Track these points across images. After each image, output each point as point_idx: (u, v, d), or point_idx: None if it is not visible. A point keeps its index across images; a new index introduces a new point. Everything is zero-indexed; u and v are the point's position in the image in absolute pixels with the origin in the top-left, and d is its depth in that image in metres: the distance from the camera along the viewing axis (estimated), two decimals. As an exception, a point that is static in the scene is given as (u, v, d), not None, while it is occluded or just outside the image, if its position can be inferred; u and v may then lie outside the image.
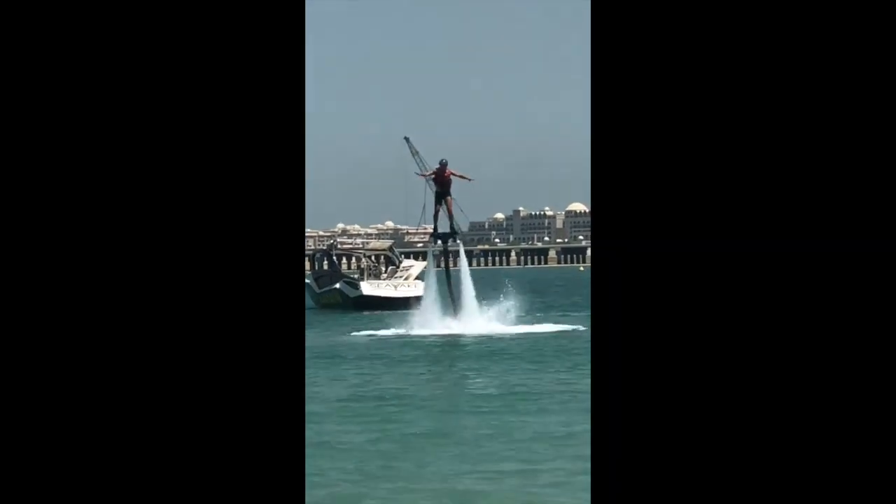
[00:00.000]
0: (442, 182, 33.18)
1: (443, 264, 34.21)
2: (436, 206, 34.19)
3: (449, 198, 33.30)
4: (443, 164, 33.05)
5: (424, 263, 57.39)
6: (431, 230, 34.97)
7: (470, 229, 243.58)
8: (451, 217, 33.85)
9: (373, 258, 51.29)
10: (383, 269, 50.60)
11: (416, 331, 30.18)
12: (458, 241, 34.41)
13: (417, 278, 47.20)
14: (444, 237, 33.84)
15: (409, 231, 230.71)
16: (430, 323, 30.85)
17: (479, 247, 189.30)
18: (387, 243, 55.70)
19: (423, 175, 34.68)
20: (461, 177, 34.46)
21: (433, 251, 34.67)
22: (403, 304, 34.97)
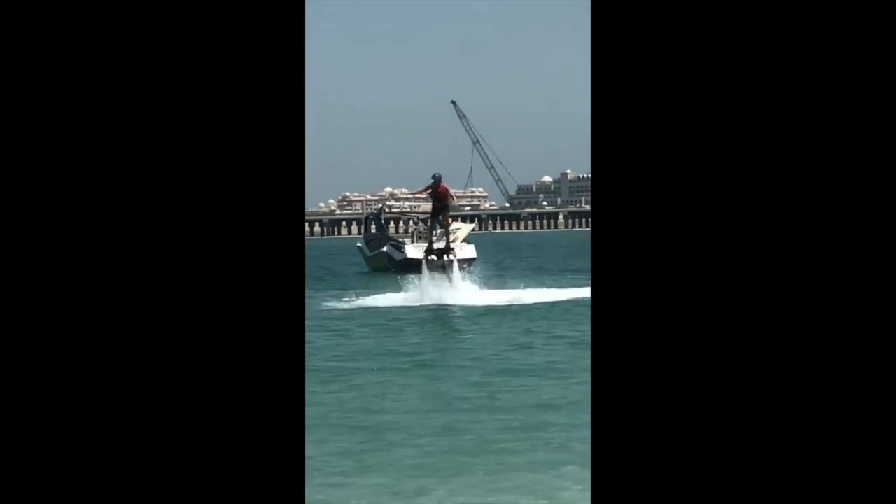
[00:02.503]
0: (437, 196, 31.05)
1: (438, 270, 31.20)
2: (432, 221, 32.12)
3: (446, 213, 31.33)
4: (436, 179, 30.81)
5: (472, 226, 57.62)
6: (426, 248, 32.50)
7: (518, 192, 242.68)
8: (447, 233, 31.91)
9: (422, 221, 51.44)
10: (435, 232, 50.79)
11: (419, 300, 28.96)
12: (453, 258, 31.74)
13: (464, 240, 47.51)
14: (440, 253, 31.61)
15: (457, 194, 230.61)
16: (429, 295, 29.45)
17: (528, 210, 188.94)
18: (436, 206, 55.66)
19: (418, 193, 32.34)
20: (454, 196, 32.44)
21: (430, 267, 31.76)
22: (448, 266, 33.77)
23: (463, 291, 29.76)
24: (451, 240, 47.15)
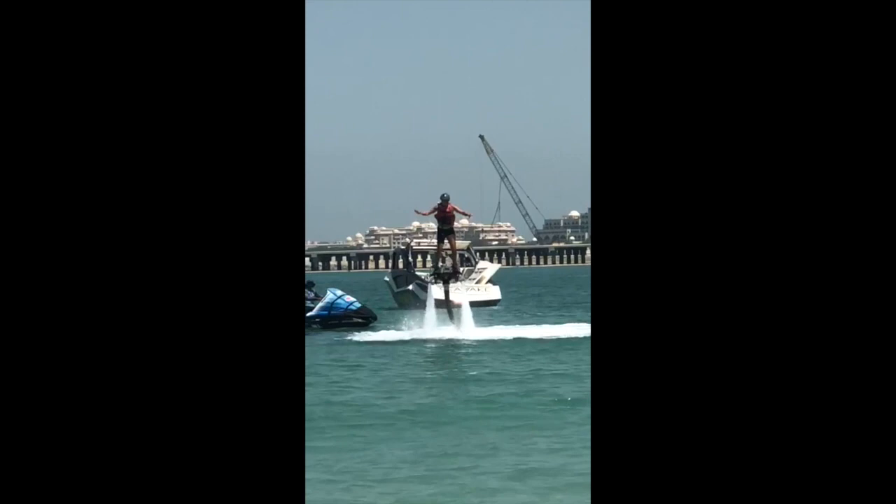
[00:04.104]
0: (444, 218, 30.57)
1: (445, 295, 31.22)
2: (438, 244, 31.64)
3: (451, 235, 30.89)
4: (444, 200, 30.33)
5: (499, 266, 57.60)
6: (432, 271, 32.13)
7: (545, 227, 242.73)
8: (453, 255, 31.56)
9: (448, 257, 51.48)
10: (461, 269, 50.87)
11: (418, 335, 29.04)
12: (460, 282, 31.42)
13: (490, 281, 47.59)
14: (447, 278, 31.43)
15: (485, 229, 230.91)
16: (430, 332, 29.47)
17: (555, 245, 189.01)
18: (464, 243, 55.72)
19: (424, 213, 31.62)
20: (463, 213, 32.29)
21: (432, 288, 31.18)
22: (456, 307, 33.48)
23: (467, 328, 29.79)
24: (476, 280, 46.97)
